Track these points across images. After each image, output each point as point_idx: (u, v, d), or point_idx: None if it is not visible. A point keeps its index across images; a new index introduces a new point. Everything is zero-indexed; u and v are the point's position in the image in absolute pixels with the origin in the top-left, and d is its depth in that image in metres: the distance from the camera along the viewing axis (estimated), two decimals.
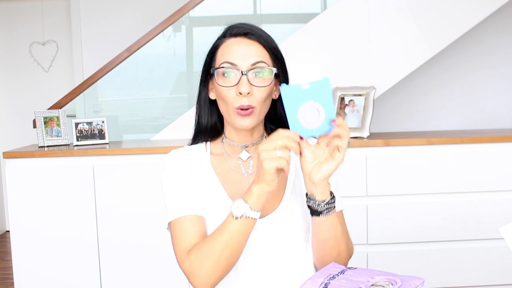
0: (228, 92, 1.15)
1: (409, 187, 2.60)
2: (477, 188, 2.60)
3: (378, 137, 2.70)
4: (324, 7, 3.29)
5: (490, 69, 3.18)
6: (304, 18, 3.12)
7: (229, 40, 1.18)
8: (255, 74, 1.14)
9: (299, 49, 2.83)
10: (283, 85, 1.02)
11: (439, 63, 3.14)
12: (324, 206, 1.08)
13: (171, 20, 3.02)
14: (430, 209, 2.60)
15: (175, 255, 1.15)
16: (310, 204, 1.10)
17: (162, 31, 3.05)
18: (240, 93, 1.13)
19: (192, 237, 1.13)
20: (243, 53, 1.15)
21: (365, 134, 2.70)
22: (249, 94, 1.13)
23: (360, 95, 2.77)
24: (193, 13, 3.28)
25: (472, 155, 2.59)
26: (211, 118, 1.25)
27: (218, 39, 1.20)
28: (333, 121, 1.01)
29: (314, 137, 1.05)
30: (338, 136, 1.01)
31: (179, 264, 1.14)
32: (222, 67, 1.15)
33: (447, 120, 3.20)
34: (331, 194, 1.09)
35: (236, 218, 1.05)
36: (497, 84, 3.19)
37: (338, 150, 1.02)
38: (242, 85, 1.13)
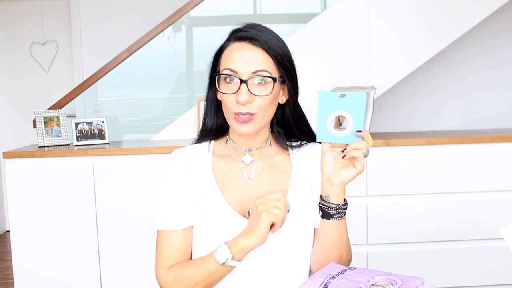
0: (228, 98, 1.14)
1: (409, 187, 2.60)
2: (477, 188, 2.60)
3: (378, 137, 2.69)
4: (324, 7, 3.29)
5: (490, 69, 3.18)
6: (304, 18, 3.12)
7: (233, 44, 1.15)
8: (256, 82, 1.12)
9: (299, 49, 2.82)
10: (322, 90, 1.05)
11: (439, 63, 3.14)
12: (336, 210, 1.10)
13: (171, 20, 3.01)
14: (430, 209, 2.60)
15: (155, 264, 1.19)
16: (323, 206, 1.11)
17: (162, 31, 3.04)
18: (238, 102, 1.12)
19: (174, 253, 1.18)
20: (245, 60, 1.12)
21: None
22: (248, 103, 1.12)
23: None
24: (193, 13, 3.28)
25: (472, 155, 2.59)
26: (217, 119, 1.24)
27: (224, 41, 1.18)
28: (359, 131, 1.05)
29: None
30: (355, 148, 1.05)
31: (155, 274, 1.18)
32: (223, 74, 1.14)
33: (447, 120, 3.20)
34: (344, 200, 1.11)
35: (217, 262, 1.09)
36: (497, 84, 3.19)
37: (358, 159, 1.06)
38: (241, 93, 1.11)
